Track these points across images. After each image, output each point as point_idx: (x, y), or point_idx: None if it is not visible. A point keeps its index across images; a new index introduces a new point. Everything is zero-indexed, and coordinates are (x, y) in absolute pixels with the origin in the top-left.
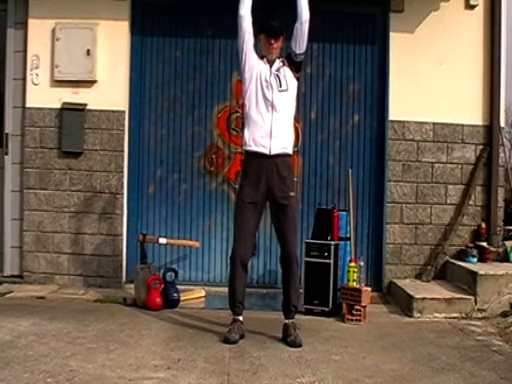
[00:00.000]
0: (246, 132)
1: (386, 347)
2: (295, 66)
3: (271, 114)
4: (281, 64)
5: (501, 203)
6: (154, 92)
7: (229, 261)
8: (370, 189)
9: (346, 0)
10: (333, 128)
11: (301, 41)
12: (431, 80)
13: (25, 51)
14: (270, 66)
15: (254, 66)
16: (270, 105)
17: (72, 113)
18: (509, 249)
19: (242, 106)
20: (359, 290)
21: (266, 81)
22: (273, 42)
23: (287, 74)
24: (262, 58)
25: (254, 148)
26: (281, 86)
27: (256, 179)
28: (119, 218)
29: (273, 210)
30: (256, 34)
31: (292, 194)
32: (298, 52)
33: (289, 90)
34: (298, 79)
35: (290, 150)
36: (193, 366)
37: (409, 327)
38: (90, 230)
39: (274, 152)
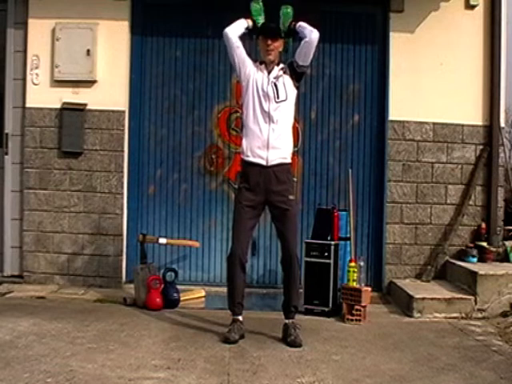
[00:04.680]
0: (244, 141)
1: (386, 347)
2: (296, 76)
3: (268, 124)
4: (281, 72)
5: (501, 203)
6: (154, 92)
7: (226, 261)
8: (370, 189)
9: (346, 0)
10: (333, 128)
11: (306, 54)
12: (431, 80)
13: (25, 51)
14: (268, 73)
15: (250, 75)
16: (267, 116)
17: (72, 113)
18: (509, 249)
19: (242, 108)
20: (359, 290)
21: (263, 91)
22: (270, 42)
23: (287, 82)
24: (260, 63)
25: (251, 159)
26: (278, 97)
27: (254, 185)
28: (119, 218)
29: (273, 212)
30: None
31: (291, 197)
32: (300, 63)
33: (287, 99)
34: (297, 88)
35: (288, 159)
36: (193, 366)
37: (409, 327)
38: (90, 230)
39: (271, 163)
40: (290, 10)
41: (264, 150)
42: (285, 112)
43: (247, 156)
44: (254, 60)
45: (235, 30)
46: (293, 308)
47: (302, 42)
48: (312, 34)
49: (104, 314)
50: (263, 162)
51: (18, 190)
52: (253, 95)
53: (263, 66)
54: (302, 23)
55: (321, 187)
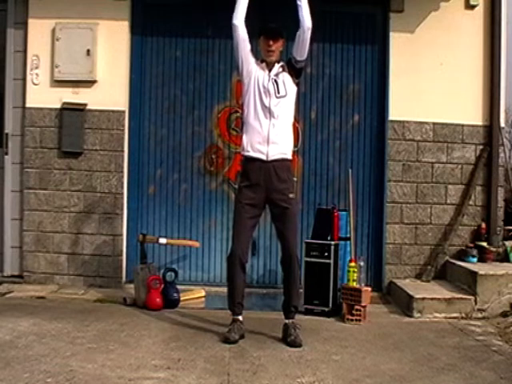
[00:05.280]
0: (244, 137)
1: (386, 347)
2: (295, 71)
3: (269, 120)
4: (280, 69)
5: (501, 203)
6: (154, 92)
7: (226, 261)
8: (370, 189)
9: (346, 0)
10: (333, 128)
11: (302, 48)
12: (431, 80)
13: (25, 51)
14: (269, 71)
15: (251, 72)
16: (268, 111)
17: (72, 113)
18: (509, 249)
19: (242, 107)
20: (359, 290)
21: (264, 87)
22: (271, 43)
23: (286, 79)
24: (261, 61)
25: (251, 154)
26: (279, 93)
27: (255, 182)
28: (119, 218)
29: (273, 211)
30: (255, 37)
31: (292, 195)
32: (298, 59)
33: (287, 95)
34: (297, 85)
35: (288, 155)
36: (193, 366)
37: (409, 327)
38: (89, 229)
39: (271, 158)
40: None
41: (264, 145)
42: (285, 108)
43: (247, 151)
44: (256, 58)
45: (241, 14)
46: (293, 308)
47: (297, 36)
48: (305, 23)
49: (104, 314)
50: (263, 157)
51: (18, 190)
52: (254, 92)
53: (264, 64)
54: None
55: (321, 187)
